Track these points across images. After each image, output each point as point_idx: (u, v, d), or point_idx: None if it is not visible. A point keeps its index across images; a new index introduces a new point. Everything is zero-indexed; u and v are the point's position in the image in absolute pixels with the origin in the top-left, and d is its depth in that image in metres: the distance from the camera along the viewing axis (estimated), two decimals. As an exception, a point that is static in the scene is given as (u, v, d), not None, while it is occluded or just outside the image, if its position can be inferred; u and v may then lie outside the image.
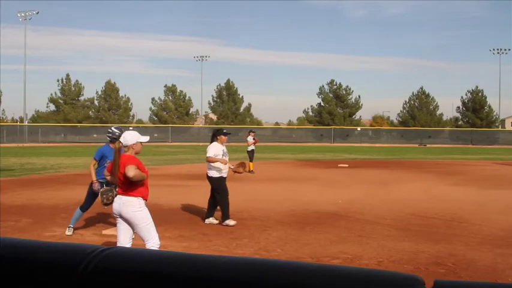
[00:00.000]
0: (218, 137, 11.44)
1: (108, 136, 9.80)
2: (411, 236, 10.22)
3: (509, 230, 10.79)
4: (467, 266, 8.07)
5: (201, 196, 15.38)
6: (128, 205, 6.66)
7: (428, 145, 64.09)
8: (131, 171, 6.49)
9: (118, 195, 6.77)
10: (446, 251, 8.94)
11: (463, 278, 7.44)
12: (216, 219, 11.30)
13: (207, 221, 11.33)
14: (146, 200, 6.88)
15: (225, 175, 11.41)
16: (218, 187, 11.33)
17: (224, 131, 11.78)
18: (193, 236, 10.13)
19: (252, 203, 14.20)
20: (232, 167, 11.85)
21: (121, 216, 6.74)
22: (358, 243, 9.52)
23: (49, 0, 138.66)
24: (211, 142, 11.42)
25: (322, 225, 11.26)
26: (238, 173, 12.18)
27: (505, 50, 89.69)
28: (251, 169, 23.35)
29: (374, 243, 9.56)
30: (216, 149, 11.24)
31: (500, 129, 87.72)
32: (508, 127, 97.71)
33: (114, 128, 9.95)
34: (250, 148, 24.22)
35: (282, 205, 13.76)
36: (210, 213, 11.47)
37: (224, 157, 11.29)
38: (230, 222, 11.03)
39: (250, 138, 24.25)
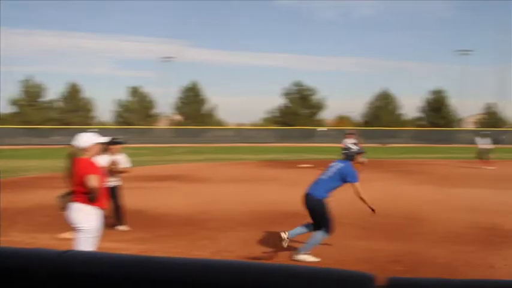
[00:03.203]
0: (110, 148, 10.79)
1: (344, 153, 9.16)
2: (371, 234, 10.34)
3: (465, 227, 10.98)
4: (425, 263, 8.20)
5: (162, 198, 15.37)
6: (78, 212, 6.48)
7: (390, 145, 64.65)
8: (93, 181, 6.32)
9: (72, 202, 6.64)
10: (405, 249, 9.07)
11: (421, 275, 7.53)
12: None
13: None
14: (101, 209, 6.70)
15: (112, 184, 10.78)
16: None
17: (120, 140, 11.21)
18: (153, 238, 10.08)
19: (214, 204, 14.19)
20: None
21: (71, 223, 6.62)
22: (320, 243, 9.57)
23: (10, 0, 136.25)
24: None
25: (284, 225, 11.27)
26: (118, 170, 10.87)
27: (467, 51, 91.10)
28: None
29: (334, 242, 9.62)
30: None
31: (460, 128, 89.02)
32: (468, 126, 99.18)
33: (349, 144, 9.16)
34: None
35: (244, 206, 13.78)
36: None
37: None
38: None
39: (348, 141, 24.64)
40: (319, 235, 8.63)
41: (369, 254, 8.77)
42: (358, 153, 9.02)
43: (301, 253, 8.60)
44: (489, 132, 32.12)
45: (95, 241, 6.62)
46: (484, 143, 29.29)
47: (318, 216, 8.70)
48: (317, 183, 8.87)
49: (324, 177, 8.86)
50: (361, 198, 8.73)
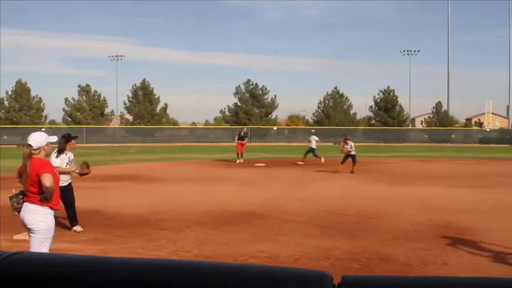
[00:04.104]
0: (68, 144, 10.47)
1: None
2: (327, 233, 10.42)
3: (420, 225, 11.16)
4: (380, 260, 8.30)
5: (117, 198, 15.21)
6: (31, 213, 6.35)
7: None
8: (48, 181, 6.19)
9: (24, 202, 6.50)
10: (360, 246, 9.17)
11: (377, 272, 7.65)
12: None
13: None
14: (55, 210, 6.59)
15: (65, 183, 10.32)
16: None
17: (73, 134, 10.93)
18: (109, 238, 9.96)
19: (169, 203, 14.10)
20: (77, 171, 10.40)
21: (24, 225, 6.48)
22: (276, 242, 9.61)
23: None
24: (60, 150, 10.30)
25: (239, 224, 11.30)
26: (85, 174, 10.42)
27: (414, 51, 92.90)
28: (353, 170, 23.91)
29: (291, 241, 9.68)
30: (60, 161, 10.19)
31: (410, 127, 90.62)
32: (418, 126, 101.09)
33: None
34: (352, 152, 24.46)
35: (199, 205, 13.73)
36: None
37: (69, 165, 10.44)
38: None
39: (349, 145, 24.57)
40: None
41: (325, 252, 8.84)
42: None
43: None
44: (314, 131, 33.20)
45: (48, 242, 6.49)
46: (314, 141, 30.16)
47: None
48: None
49: None
50: None
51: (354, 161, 24.20)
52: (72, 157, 10.66)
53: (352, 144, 24.55)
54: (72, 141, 10.70)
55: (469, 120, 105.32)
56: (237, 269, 1.40)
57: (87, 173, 10.39)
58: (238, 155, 31.50)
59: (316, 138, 30.13)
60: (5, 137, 63.78)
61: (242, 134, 32.50)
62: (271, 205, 13.85)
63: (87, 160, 10.59)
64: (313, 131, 33.55)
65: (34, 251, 6.19)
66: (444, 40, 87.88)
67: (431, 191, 17.41)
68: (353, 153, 24.29)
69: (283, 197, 15.77)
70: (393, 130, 73.28)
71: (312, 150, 29.72)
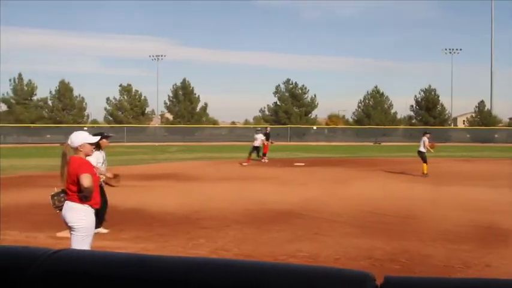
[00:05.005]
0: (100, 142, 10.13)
1: None
2: (367, 233, 10.34)
3: (462, 226, 11.00)
4: (421, 262, 8.20)
5: (157, 197, 15.34)
6: (72, 211, 6.45)
7: (382, 143, 64.74)
8: (86, 181, 6.25)
9: (65, 201, 6.60)
10: (401, 247, 9.07)
11: (417, 273, 7.55)
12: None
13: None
14: (95, 208, 6.68)
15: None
16: None
17: (105, 133, 10.87)
18: (150, 236, 10.05)
19: (208, 202, 14.16)
20: (104, 177, 10.07)
21: (65, 222, 6.58)
22: (315, 241, 9.58)
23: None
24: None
25: (278, 223, 11.29)
26: (110, 185, 10.24)
27: (457, 50, 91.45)
28: (425, 172, 22.54)
29: (331, 240, 9.63)
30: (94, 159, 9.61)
31: (452, 127, 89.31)
32: (460, 125, 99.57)
33: None
34: (422, 149, 23.12)
35: (238, 204, 13.75)
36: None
37: (104, 165, 10.36)
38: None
39: (425, 139, 23.16)
40: None
41: (365, 252, 8.77)
42: None
43: None
44: (260, 128, 32.56)
45: (89, 240, 6.59)
46: (259, 140, 29.69)
47: None
48: None
49: None
50: None
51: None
52: (104, 155, 10.74)
53: (426, 140, 23.16)
54: (103, 140, 10.74)
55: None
56: (277, 268, 1.39)
57: (112, 185, 10.40)
58: (265, 154, 31.28)
59: (263, 138, 29.85)
60: (48, 136, 64.94)
61: (268, 132, 32.20)
62: (311, 204, 13.81)
63: (120, 174, 10.52)
64: (258, 129, 32.99)
65: (74, 248, 6.28)
66: (487, 39, 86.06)
67: (473, 191, 17.13)
68: (422, 149, 23.05)
69: (322, 196, 15.71)
70: (434, 129, 72.29)
71: (256, 148, 29.48)
